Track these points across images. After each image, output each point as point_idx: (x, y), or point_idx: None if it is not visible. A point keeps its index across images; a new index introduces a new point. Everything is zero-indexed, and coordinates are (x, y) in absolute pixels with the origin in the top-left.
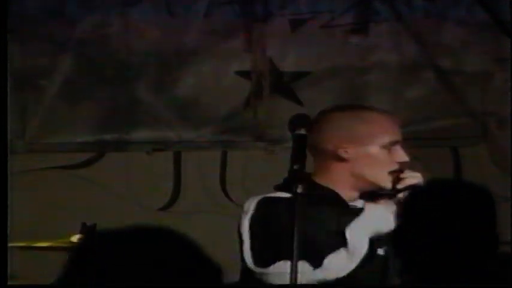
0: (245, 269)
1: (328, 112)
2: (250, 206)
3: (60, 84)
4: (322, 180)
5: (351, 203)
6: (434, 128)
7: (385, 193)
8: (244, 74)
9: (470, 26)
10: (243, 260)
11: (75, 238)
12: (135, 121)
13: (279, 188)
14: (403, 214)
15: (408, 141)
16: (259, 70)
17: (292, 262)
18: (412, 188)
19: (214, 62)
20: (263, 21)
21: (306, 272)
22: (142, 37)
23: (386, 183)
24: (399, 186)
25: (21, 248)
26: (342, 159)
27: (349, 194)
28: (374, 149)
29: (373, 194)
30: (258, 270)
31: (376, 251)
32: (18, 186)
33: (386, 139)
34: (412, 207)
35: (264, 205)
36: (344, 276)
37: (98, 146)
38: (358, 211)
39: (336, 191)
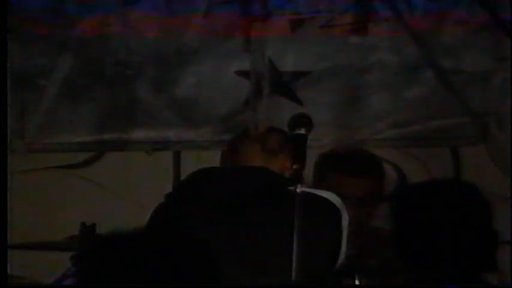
0: None
1: None
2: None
3: (60, 84)
4: None
5: None
6: (434, 128)
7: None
8: (243, 74)
9: (470, 26)
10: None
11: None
12: (134, 121)
13: None
14: (401, 214)
15: (408, 141)
16: (259, 70)
17: (293, 261)
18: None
19: (213, 62)
20: (263, 21)
21: None
22: (142, 37)
23: None
24: None
25: (21, 248)
26: None
27: None
28: None
29: None
30: None
31: None
32: (18, 186)
33: None
34: (410, 207)
35: None
36: None
37: (97, 146)
38: None
39: None
